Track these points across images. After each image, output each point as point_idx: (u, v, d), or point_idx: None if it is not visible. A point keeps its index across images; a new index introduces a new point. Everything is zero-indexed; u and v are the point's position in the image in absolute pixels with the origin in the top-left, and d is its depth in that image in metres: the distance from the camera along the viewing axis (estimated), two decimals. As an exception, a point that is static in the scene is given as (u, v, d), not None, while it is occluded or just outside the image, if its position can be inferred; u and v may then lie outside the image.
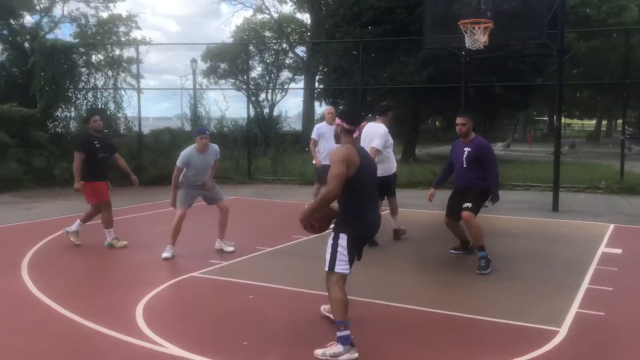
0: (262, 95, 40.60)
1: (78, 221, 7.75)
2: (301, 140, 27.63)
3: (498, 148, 32.26)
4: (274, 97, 41.89)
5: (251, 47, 37.33)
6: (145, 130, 16.59)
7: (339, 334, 3.99)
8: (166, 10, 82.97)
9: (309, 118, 32.84)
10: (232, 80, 39.33)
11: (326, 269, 4.22)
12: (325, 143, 9.49)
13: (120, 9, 38.03)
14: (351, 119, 4.23)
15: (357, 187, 4.14)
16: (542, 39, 9.26)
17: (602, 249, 7.44)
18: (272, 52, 40.23)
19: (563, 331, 4.51)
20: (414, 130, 22.56)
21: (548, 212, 10.37)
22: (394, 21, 20.13)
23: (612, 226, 8.98)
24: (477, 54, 10.33)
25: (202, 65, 38.10)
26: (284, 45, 39.04)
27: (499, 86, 18.32)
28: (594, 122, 57.75)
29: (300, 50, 37.36)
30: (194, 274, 6.20)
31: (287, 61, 41.38)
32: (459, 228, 6.94)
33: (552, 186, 10.97)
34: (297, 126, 33.87)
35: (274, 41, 39.89)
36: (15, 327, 4.64)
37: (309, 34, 35.98)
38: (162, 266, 6.72)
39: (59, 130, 15.82)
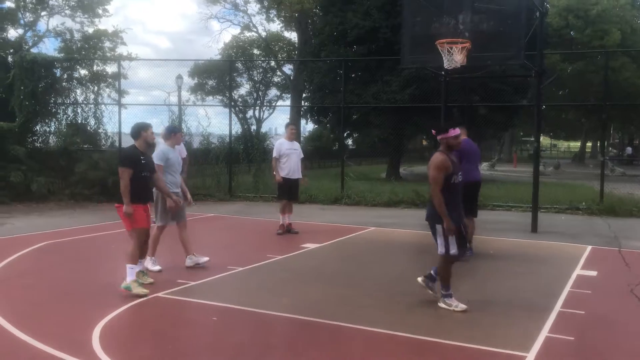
0: (250, 113, 40.63)
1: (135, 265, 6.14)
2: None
3: (483, 168, 32.35)
4: (261, 114, 41.93)
5: (239, 65, 37.41)
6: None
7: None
8: (158, 27, 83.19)
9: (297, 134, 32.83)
10: (220, 97, 39.32)
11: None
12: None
13: (107, 25, 37.90)
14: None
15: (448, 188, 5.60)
16: (519, 60, 9.26)
17: (578, 271, 7.36)
18: (260, 69, 40.38)
19: (531, 356, 4.40)
20: (397, 149, 22.56)
21: (527, 233, 10.30)
22: (379, 40, 20.24)
23: (589, 248, 8.92)
24: (457, 74, 10.32)
25: (190, 82, 38.16)
26: (272, 63, 39.15)
27: (482, 106, 18.39)
28: (579, 143, 58.28)
29: (288, 69, 37.49)
30: (159, 294, 6.03)
31: (275, 79, 41.52)
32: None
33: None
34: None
35: (260, 59, 39.98)
36: (-36, 349, 4.45)
37: (296, 52, 36.09)
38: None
39: (38, 145, 15.62)
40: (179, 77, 24.73)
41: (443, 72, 10.75)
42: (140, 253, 6.24)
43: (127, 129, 16.12)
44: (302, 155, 10.05)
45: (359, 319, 5.28)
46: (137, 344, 4.64)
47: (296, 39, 35.63)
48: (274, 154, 9.88)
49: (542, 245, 9.28)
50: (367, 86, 19.73)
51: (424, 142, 38.35)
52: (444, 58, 8.63)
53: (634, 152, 43.35)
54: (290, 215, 10.06)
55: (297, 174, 9.92)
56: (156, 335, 4.84)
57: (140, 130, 6.32)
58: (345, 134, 20.06)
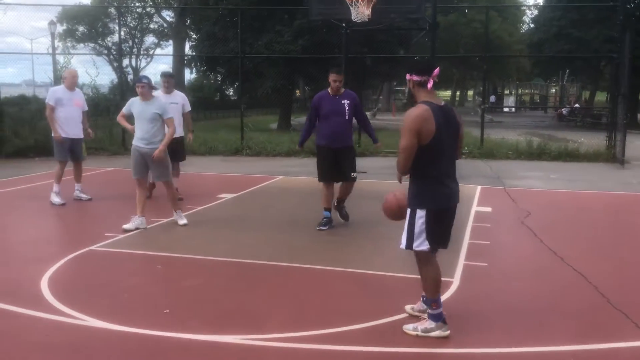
0: (125, 61, 38.68)
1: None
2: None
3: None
4: (138, 63, 40.03)
5: (112, 10, 35.27)
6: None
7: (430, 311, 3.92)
8: (8, -36, 74.95)
9: (178, 85, 31.81)
10: (92, 45, 36.97)
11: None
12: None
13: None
14: (420, 69, 3.88)
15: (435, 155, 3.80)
16: (420, 14, 9.87)
17: (475, 208, 8.25)
18: (135, 15, 38.33)
19: (456, 281, 5.05)
20: (290, 99, 22.81)
21: (422, 177, 11.15)
22: (269, -12, 20.07)
23: (479, 187, 9.93)
24: (357, 26, 10.73)
25: (58, 28, 35.47)
26: (148, 9, 37.32)
27: (370, 57, 19.11)
28: (448, 92, 61.89)
29: (167, 15, 35.89)
30: (93, 247, 5.99)
31: (152, 26, 39.67)
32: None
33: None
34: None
35: (138, 3, 37.88)
36: None
37: (176, -3, 34.61)
38: (54, 242, 6.42)
39: None
40: (52, 22, 23.05)
41: (344, 24, 11.13)
42: None
43: None
44: (187, 109, 8.66)
45: (295, 258, 5.66)
46: (92, 294, 4.66)
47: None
48: None
49: (439, 186, 10.14)
50: (260, 36, 19.61)
51: (307, 92, 38.81)
52: (352, 11, 8.97)
53: (496, 101, 47.10)
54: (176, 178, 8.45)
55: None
56: (107, 285, 4.88)
57: None
58: (236, 85, 19.88)
